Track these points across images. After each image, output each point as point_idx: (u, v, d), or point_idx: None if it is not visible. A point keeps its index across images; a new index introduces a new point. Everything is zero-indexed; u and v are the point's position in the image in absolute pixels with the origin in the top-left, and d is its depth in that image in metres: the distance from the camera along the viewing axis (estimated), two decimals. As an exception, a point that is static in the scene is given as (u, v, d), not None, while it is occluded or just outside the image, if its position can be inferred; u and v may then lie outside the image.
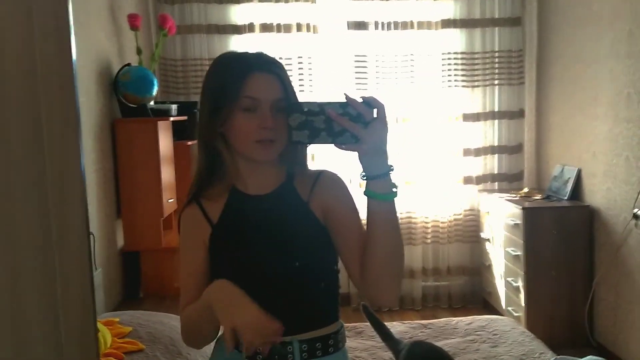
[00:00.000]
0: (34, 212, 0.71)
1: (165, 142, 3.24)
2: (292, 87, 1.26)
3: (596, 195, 3.57)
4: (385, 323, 3.00)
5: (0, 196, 0.64)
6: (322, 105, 1.12)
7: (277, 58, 1.28)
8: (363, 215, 1.24)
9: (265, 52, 1.28)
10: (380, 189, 1.14)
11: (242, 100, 1.20)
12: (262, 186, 1.30)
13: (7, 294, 0.66)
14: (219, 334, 1.38)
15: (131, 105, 3.20)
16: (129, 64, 3.34)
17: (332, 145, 1.14)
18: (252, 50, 1.30)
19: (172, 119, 3.36)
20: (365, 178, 1.14)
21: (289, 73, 1.31)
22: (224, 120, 1.22)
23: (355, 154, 1.13)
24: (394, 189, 1.15)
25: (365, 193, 1.15)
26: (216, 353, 1.37)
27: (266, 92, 1.21)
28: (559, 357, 2.39)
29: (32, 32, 0.71)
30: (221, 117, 1.22)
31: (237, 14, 4.17)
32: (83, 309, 0.82)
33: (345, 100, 1.11)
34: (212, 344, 1.37)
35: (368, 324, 3.00)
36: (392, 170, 1.14)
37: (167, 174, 3.25)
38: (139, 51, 3.38)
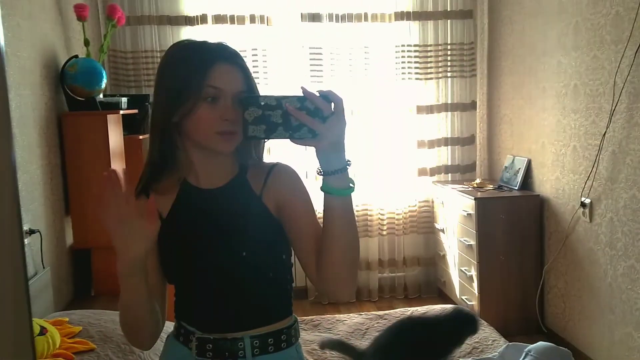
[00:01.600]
0: None
1: (115, 137, 3.15)
2: (253, 80, 1.24)
3: (546, 184, 3.66)
4: (342, 315, 3.03)
5: None
6: (279, 99, 1.09)
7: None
8: (318, 209, 1.22)
9: (225, 43, 1.25)
10: (337, 184, 1.12)
11: (205, 90, 1.17)
12: (214, 179, 1.27)
13: None
14: (169, 334, 1.35)
15: (79, 98, 3.10)
16: (76, 56, 3.23)
17: (289, 140, 1.11)
18: (210, 40, 1.26)
19: (122, 112, 3.27)
20: (322, 173, 1.12)
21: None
22: (185, 110, 1.18)
23: (312, 149, 1.10)
24: (351, 185, 1.13)
25: (322, 189, 1.13)
26: (167, 348, 1.34)
27: (229, 83, 1.18)
28: (510, 344, 2.45)
29: None
30: (180, 106, 1.18)
31: (189, 5, 4.10)
32: (16, 315, 0.78)
33: (302, 94, 1.08)
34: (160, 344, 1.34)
35: (325, 316, 3.01)
36: (350, 165, 1.12)
37: (118, 169, 3.17)
38: (86, 42, 3.28)
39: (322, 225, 1.19)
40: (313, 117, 1.07)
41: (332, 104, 1.09)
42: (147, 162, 1.27)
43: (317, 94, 1.09)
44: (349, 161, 1.12)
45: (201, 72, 1.17)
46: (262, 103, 1.09)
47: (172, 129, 1.21)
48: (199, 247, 1.24)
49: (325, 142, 1.07)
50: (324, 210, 1.15)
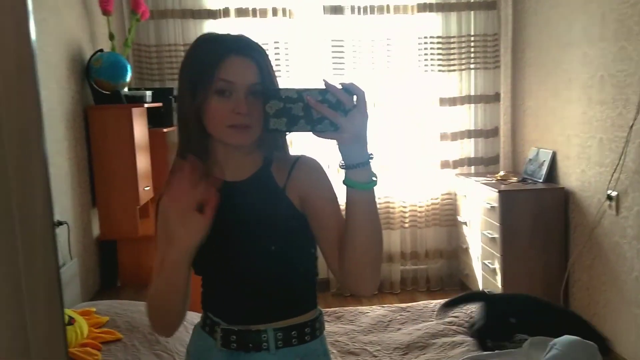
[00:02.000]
0: None
1: (140, 129, 3.19)
2: (271, 73, 1.23)
3: (571, 177, 3.61)
4: (365, 307, 3.03)
5: None
6: (300, 92, 1.08)
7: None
8: (342, 203, 1.22)
9: (246, 36, 1.25)
10: (359, 178, 1.11)
11: (216, 83, 1.17)
12: (238, 172, 1.28)
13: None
14: (195, 324, 1.37)
15: (104, 92, 3.14)
16: (101, 50, 3.27)
17: (311, 133, 1.11)
18: (232, 33, 1.26)
19: (146, 105, 3.31)
20: (344, 167, 1.11)
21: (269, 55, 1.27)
22: (200, 102, 1.18)
23: (334, 142, 1.10)
24: (374, 178, 1.12)
25: (345, 182, 1.12)
26: (194, 338, 1.36)
27: (242, 76, 1.18)
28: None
29: None
30: (197, 99, 1.18)
31: (211, -2, 4.11)
32: (50, 304, 0.80)
33: (324, 87, 1.07)
34: (190, 331, 1.36)
35: (347, 308, 3.02)
36: (372, 158, 1.11)
37: (143, 161, 3.21)
38: (111, 37, 3.32)
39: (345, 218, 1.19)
40: (335, 110, 1.06)
41: (354, 97, 1.08)
42: (177, 154, 1.28)
43: (339, 87, 1.08)
44: (371, 154, 1.11)
45: (213, 65, 1.17)
46: (284, 96, 1.08)
47: (195, 122, 1.21)
48: (224, 240, 1.25)
49: (347, 135, 1.06)
50: (346, 204, 1.14)
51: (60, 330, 0.86)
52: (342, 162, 1.11)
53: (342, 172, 1.13)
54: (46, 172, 0.80)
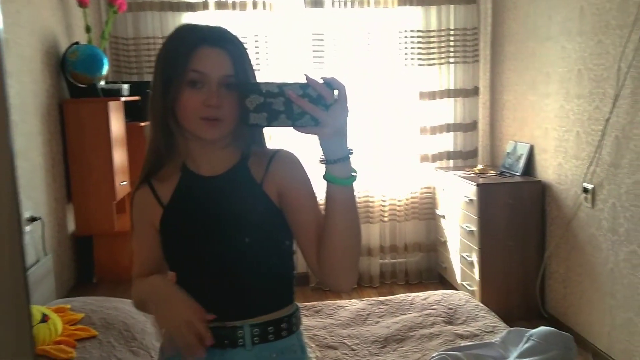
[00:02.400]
0: None
1: (116, 123, 3.16)
2: (246, 66, 1.21)
3: (548, 170, 3.65)
4: (344, 301, 3.04)
5: None
6: (281, 86, 1.07)
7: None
8: (321, 197, 1.20)
9: (223, 27, 1.23)
10: (339, 173, 1.10)
11: (188, 74, 1.15)
12: (214, 167, 1.26)
13: None
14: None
15: (80, 85, 3.10)
16: (77, 43, 3.23)
17: (292, 128, 1.10)
18: (211, 24, 1.25)
19: (123, 99, 3.27)
20: (325, 162, 1.11)
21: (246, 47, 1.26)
22: (172, 94, 1.17)
23: (315, 137, 1.09)
24: (353, 174, 1.12)
25: (325, 177, 1.12)
26: (167, 337, 1.35)
27: (214, 68, 1.16)
28: (512, 329, 2.45)
29: None
30: (169, 90, 1.17)
31: (190, -9, 4.07)
32: (16, 304, 0.79)
33: (305, 82, 1.07)
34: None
35: (326, 302, 3.03)
36: (352, 153, 1.11)
37: (119, 156, 3.17)
38: (88, 29, 3.27)
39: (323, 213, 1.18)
40: (316, 105, 1.06)
41: (336, 91, 1.07)
42: (148, 149, 1.27)
43: (321, 81, 1.07)
44: (351, 150, 1.10)
45: (185, 55, 1.15)
46: (264, 90, 1.07)
47: (168, 116, 1.20)
48: (199, 234, 1.24)
49: (328, 129, 1.06)
50: (325, 199, 1.14)
51: (27, 330, 0.84)
52: (323, 157, 1.10)
53: (322, 167, 1.12)
54: (12, 167, 0.78)
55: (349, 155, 1.10)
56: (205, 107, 1.15)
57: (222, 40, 1.19)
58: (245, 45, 1.24)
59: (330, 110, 1.05)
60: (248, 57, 1.23)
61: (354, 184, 1.13)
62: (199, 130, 1.18)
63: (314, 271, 1.23)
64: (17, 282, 0.81)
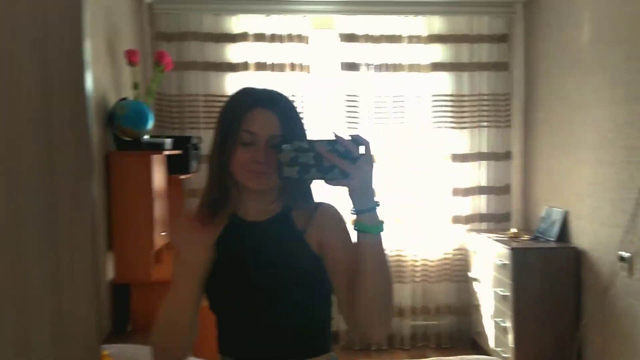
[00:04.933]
0: (42, 238, 0.73)
1: (158, 176, 3.26)
2: (294, 125, 1.31)
3: (583, 237, 3.62)
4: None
5: (11, 222, 0.66)
6: (311, 142, 1.17)
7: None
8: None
9: (275, 90, 1.35)
10: (368, 222, 1.18)
11: (241, 134, 1.27)
12: (259, 214, 1.35)
13: (11, 319, 0.67)
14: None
15: (126, 138, 3.23)
16: (125, 98, 3.38)
17: (322, 181, 1.19)
18: (268, 86, 1.36)
19: (166, 152, 3.39)
20: (354, 212, 1.18)
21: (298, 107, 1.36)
22: (228, 151, 1.28)
23: (345, 189, 1.17)
24: (381, 223, 1.19)
25: (355, 227, 1.19)
26: None
27: (263, 128, 1.27)
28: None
29: (47, 66, 0.74)
30: (225, 147, 1.28)
31: (232, 52, 4.26)
32: (87, 337, 0.83)
33: (334, 138, 1.16)
34: None
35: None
36: (379, 205, 1.18)
37: (160, 207, 3.26)
38: (135, 86, 3.44)
39: None
40: (343, 159, 1.15)
41: (362, 147, 1.16)
42: (203, 198, 1.35)
43: (348, 138, 1.16)
44: (378, 202, 1.18)
45: (239, 117, 1.27)
46: (296, 146, 1.17)
47: (221, 168, 1.30)
48: (244, 278, 1.29)
49: (355, 182, 1.14)
50: (357, 249, 1.20)
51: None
52: (353, 207, 1.18)
53: (354, 218, 1.20)
54: (94, 213, 0.84)
55: (377, 206, 1.18)
56: (253, 163, 1.26)
57: (272, 103, 1.30)
58: (294, 106, 1.35)
59: (357, 163, 1.14)
60: (297, 116, 1.33)
61: (386, 241, 1.20)
62: (246, 181, 1.29)
63: (346, 320, 1.28)
64: (90, 327, 0.85)
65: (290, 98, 4.17)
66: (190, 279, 1.24)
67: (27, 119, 0.70)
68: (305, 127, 1.37)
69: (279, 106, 1.30)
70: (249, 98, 1.31)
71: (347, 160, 1.15)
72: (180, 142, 3.67)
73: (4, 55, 0.64)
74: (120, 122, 3.21)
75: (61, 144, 0.77)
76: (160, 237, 3.23)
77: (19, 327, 0.67)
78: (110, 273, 3.17)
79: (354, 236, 1.22)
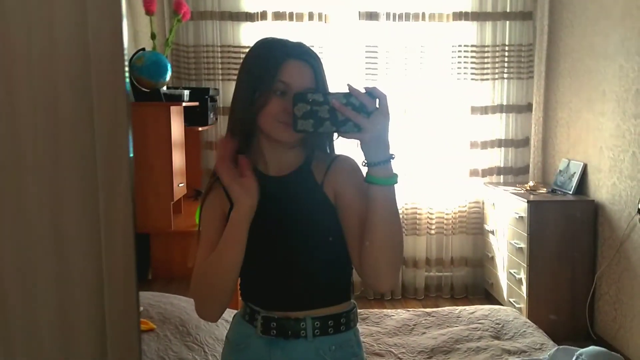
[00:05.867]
0: (80, 194, 0.75)
1: (177, 127, 3.28)
2: (323, 79, 1.31)
3: (601, 190, 3.60)
4: (389, 310, 3.07)
5: (50, 177, 0.69)
6: (326, 96, 1.17)
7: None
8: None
9: (304, 43, 1.33)
10: (380, 174, 1.18)
11: (276, 84, 1.25)
12: (281, 168, 1.35)
13: (54, 266, 0.70)
14: (235, 313, 1.44)
15: (145, 89, 3.24)
16: (143, 49, 3.37)
17: (336, 134, 1.20)
18: (291, 38, 1.34)
19: (184, 104, 3.40)
20: (366, 165, 1.19)
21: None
22: (260, 103, 1.26)
23: (358, 142, 1.18)
24: (395, 176, 1.20)
25: (366, 179, 1.20)
26: (233, 326, 1.43)
27: (298, 79, 1.26)
28: (561, 347, 2.44)
29: (86, 19, 0.75)
30: (256, 100, 1.27)
31: (249, 2, 4.20)
32: (125, 292, 0.86)
33: (348, 91, 1.16)
34: (220, 325, 1.42)
35: (373, 310, 3.06)
36: (393, 158, 1.18)
37: (178, 158, 3.29)
38: (153, 36, 3.41)
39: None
40: (358, 112, 1.14)
41: (377, 100, 1.16)
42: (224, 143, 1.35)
43: (363, 91, 1.15)
44: (393, 155, 1.18)
45: (273, 68, 1.25)
46: (310, 99, 1.17)
47: (248, 119, 1.29)
48: (265, 230, 1.31)
49: (369, 135, 1.14)
50: (368, 201, 1.21)
51: (135, 327, 0.92)
52: (365, 160, 1.19)
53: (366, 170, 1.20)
54: (131, 171, 0.86)
55: (390, 159, 1.18)
56: (285, 114, 1.25)
57: (305, 55, 1.29)
58: (321, 59, 1.34)
59: (371, 117, 1.14)
60: (324, 71, 1.32)
61: (402, 194, 1.20)
62: (277, 132, 1.28)
63: (356, 269, 1.30)
64: (128, 280, 0.88)
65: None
66: (246, 223, 1.26)
67: (66, 70, 0.71)
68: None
69: (311, 58, 1.30)
70: (283, 49, 1.29)
71: (361, 113, 1.14)
72: (198, 93, 3.67)
73: (45, 11, 0.65)
74: (139, 73, 3.21)
75: (99, 97, 0.78)
76: (179, 188, 3.27)
77: (60, 275, 0.71)
78: (131, 222, 3.24)
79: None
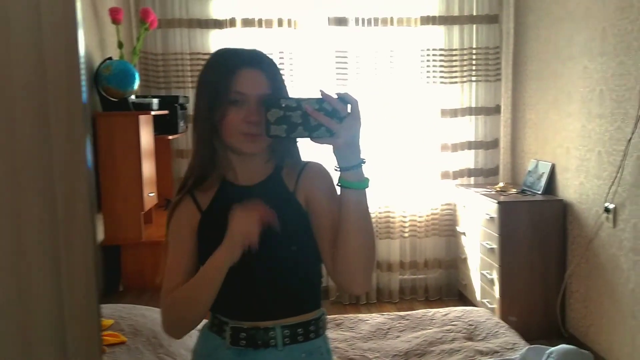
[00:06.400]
0: (40, 205, 0.74)
1: (146, 137, 3.24)
2: (280, 84, 1.31)
3: (569, 189, 3.66)
4: (364, 315, 3.07)
5: (7, 188, 0.67)
6: (299, 101, 1.18)
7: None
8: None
9: (258, 50, 1.33)
10: (352, 179, 1.19)
11: (231, 94, 1.25)
12: (250, 177, 1.35)
13: (12, 278, 0.69)
14: (203, 324, 1.43)
15: (112, 99, 3.20)
16: (110, 58, 3.33)
17: (309, 139, 1.20)
18: (247, 46, 1.34)
19: (153, 113, 3.37)
20: (338, 169, 1.20)
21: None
22: (217, 113, 1.26)
23: (330, 147, 1.18)
24: (367, 180, 1.21)
25: (339, 183, 1.21)
26: (201, 339, 1.41)
27: (253, 88, 1.26)
28: (531, 346, 2.47)
29: (40, 27, 0.74)
30: (214, 110, 1.27)
31: (218, 9, 4.18)
32: (86, 296, 0.85)
33: (321, 97, 1.17)
34: (193, 335, 1.41)
35: (347, 315, 3.06)
36: (364, 162, 1.20)
37: (148, 168, 3.26)
38: (120, 45, 3.38)
39: None
40: (330, 118, 1.16)
41: (349, 105, 1.17)
42: (191, 163, 1.36)
43: (335, 96, 1.17)
44: (364, 159, 1.20)
45: (228, 78, 1.26)
46: (283, 105, 1.18)
47: (210, 132, 1.29)
48: None
49: (341, 140, 1.16)
50: (341, 205, 1.23)
51: (96, 325, 0.90)
52: (337, 165, 1.20)
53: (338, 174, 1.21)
54: (90, 177, 0.85)
55: (362, 164, 1.19)
56: (246, 124, 1.25)
57: (259, 62, 1.29)
58: (276, 64, 1.34)
59: (343, 122, 1.15)
60: (281, 75, 1.33)
61: (375, 198, 1.22)
62: (240, 144, 1.28)
63: (330, 273, 1.31)
64: (88, 277, 0.87)
65: (279, 54, 4.17)
66: (188, 262, 1.31)
67: (21, 81, 0.70)
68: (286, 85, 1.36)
69: (265, 65, 1.29)
70: (235, 58, 1.29)
71: (334, 118, 1.16)
72: (167, 102, 3.64)
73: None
74: (106, 83, 3.17)
75: (55, 106, 0.77)
76: (149, 198, 3.24)
77: (19, 288, 0.69)
78: (100, 234, 3.19)
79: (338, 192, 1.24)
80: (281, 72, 1.36)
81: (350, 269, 1.25)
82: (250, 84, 1.26)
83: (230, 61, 1.28)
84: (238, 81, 1.25)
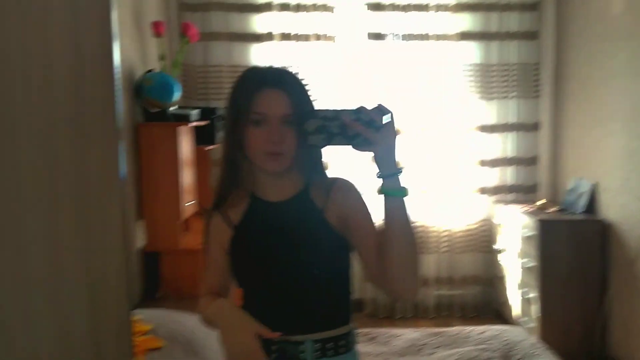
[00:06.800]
0: (73, 210, 0.76)
1: (185, 147, 3.30)
2: (304, 103, 1.32)
3: (611, 209, 3.57)
4: (398, 329, 3.04)
5: (43, 194, 0.69)
6: (337, 112, 1.23)
7: (292, 68, 1.37)
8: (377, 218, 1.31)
9: (283, 68, 1.37)
10: (392, 186, 1.23)
11: (252, 115, 1.29)
12: (280, 194, 1.38)
13: (48, 288, 0.71)
14: None
15: (153, 110, 3.27)
16: (151, 70, 3.41)
17: (349, 147, 1.24)
18: (281, 61, 1.38)
19: (192, 124, 3.42)
20: (380, 176, 1.23)
21: (306, 81, 1.38)
22: (239, 133, 1.31)
23: (369, 155, 1.23)
24: (405, 189, 1.24)
25: (381, 191, 1.24)
26: None
27: (274, 108, 1.29)
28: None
29: (78, 38, 0.77)
30: (237, 129, 1.31)
31: (257, 23, 4.24)
32: (118, 303, 0.87)
33: (358, 107, 1.21)
34: None
35: (381, 329, 3.04)
36: (401, 172, 1.23)
37: (187, 177, 3.31)
38: (161, 57, 3.46)
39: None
40: (368, 128, 1.20)
41: (384, 116, 1.21)
42: (218, 180, 1.41)
43: (371, 108, 1.21)
44: (401, 168, 1.23)
45: (248, 99, 1.30)
46: (321, 115, 1.23)
47: (236, 151, 1.34)
48: (266, 256, 1.35)
49: (379, 148, 1.20)
50: (384, 213, 1.25)
51: (127, 333, 0.92)
52: (378, 172, 1.23)
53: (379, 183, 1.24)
54: (122, 187, 0.88)
55: (400, 171, 1.23)
56: (268, 143, 1.28)
57: (281, 82, 1.32)
58: (304, 82, 1.37)
59: (380, 131, 1.20)
60: (306, 92, 1.34)
61: (411, 210, 1.24)
62: (263, 163, 1.32)
63: (377, 282, 1.32)
64: (119, 287, 0.89)
65: (313, 69, 4.20)
66: (221, 275, 1.44)
67: (59, 91, 0.73)
68: (314, 101, 1.37)
69: (288, 85, 1.32)
70: (256, 78, 1.32)
71: (370, 128, 1.20)
72: (206, 113, 3.70)
73: (37, 27, 0.67)
74: (147, 94, 3.25)
75: (90, 115, 0.80)
76: (188, 207, 3.29)
77: (53, 294, 0.71)
78: (141, 241, 3.25)
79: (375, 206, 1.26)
80: (309, 89, 1.37)
81: (398, 275, 1.26)
82: (270, 105, 1.29)
83: (253, 82, 1.32)
84: (259, 102, 1.29)
